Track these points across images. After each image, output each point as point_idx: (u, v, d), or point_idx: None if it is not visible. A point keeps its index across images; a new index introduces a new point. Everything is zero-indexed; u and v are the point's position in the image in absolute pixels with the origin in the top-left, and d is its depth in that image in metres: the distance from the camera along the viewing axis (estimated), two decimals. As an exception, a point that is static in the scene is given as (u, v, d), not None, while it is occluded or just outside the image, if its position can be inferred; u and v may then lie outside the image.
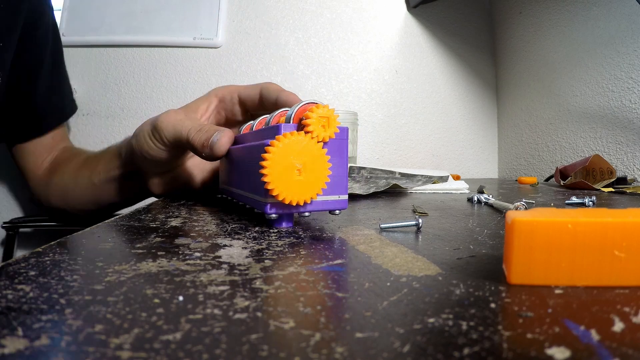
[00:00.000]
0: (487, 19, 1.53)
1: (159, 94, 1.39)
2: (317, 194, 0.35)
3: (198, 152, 0.47)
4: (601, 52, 1.07)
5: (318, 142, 0.35)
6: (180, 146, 0.51)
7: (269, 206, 0.35)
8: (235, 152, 0.45)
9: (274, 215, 0.36)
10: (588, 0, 1.10)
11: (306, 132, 0.35)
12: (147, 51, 1.39)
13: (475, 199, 0.58)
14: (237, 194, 0.45)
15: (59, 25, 1.40)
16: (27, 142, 0.86)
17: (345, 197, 0.38)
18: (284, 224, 0.38)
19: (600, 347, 0.14)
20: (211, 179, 0.62)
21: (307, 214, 0.39)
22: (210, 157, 0.46)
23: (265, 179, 0.33)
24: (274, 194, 0.33)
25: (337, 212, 0.39)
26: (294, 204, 0.35)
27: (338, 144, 0.37)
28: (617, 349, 0.14)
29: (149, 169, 0.58)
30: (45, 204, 0.84)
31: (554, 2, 1.22)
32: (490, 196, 0.57)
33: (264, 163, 0.33)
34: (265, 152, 0.33)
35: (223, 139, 0.45)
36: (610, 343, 0.14)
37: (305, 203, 0.35)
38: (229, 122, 0.61)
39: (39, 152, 0.87)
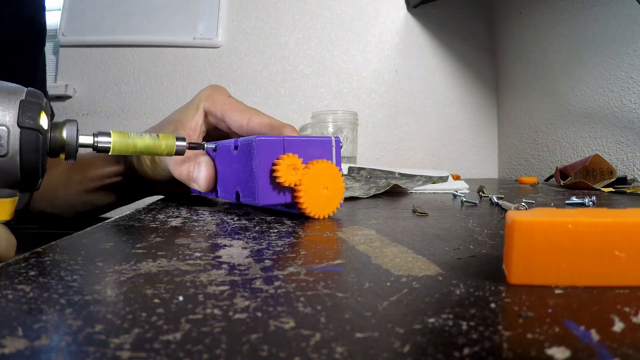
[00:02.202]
0: (487, 18, 1.53)
1: (159, 94, 1.39)
2: None
3: (187, 183, 0.49)
4: (601, 52, 1.07)
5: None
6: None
7: None
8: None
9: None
10: (588, 0, 1.10)
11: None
12: (147, 51, 1.39)
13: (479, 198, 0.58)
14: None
15: (58, 26, 1.40)
16: None
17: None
18: None
19: (600, 347, 0.14)
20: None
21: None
22: (200, 189, 0.48)
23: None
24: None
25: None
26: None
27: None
28: (617, 349, 0.14)
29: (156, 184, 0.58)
30: (31, 209, 0.83)
31: (554, 2, 1.22)
32: (494, 196, 0.57)
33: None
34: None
35: (202, 173, 0.47)
36: (610, 343, 0.14)
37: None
38: (210, 134, 0.57)
39: None
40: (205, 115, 0.53)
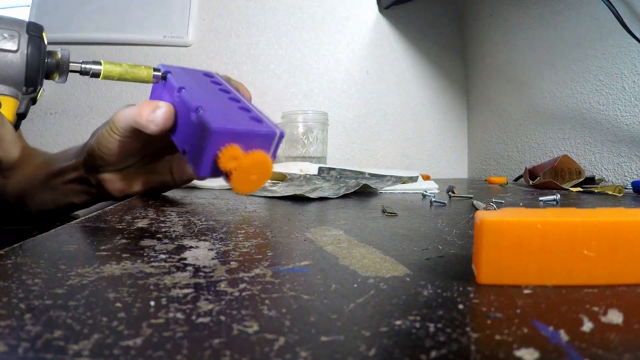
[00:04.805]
0: (458, 20, 1.54)
1: (129, 93, 1.37)
2: None
3: (144, 127, 0.49)
4: (570, 55, 1.09)
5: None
6: (134, 131, 0.52)
7: None
8: None
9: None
10: (558, 3, 1.12)
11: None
12: (117, 49, 1.37)
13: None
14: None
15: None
16: None
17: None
18: None
19: (569, 347, 0.14)
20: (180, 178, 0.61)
21: None
22: (155, 130, 0.49)
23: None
24: None
25: None
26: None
27: None
28: (587, 349, 0.14)
29: (107, 164, 0.58)
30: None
31: (525, 4, 1.24)
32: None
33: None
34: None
35: (160, 112, 0.48)
36: (579, 343, 0.14)
37: None
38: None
39: None
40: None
